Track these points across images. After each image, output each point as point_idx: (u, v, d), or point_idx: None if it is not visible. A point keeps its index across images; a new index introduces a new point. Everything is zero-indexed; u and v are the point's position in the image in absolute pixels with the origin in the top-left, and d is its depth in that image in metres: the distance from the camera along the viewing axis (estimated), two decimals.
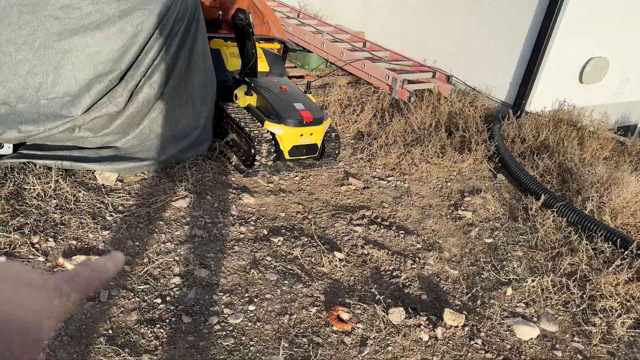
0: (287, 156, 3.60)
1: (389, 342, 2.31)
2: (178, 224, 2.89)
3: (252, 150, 3.47)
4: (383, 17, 6.49)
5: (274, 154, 3.53)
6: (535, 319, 2.62)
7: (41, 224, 2.65)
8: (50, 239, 2.56)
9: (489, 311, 2.62)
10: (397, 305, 2.53)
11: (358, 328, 2.36)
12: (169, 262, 2.58)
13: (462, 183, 3.99)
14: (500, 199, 3.81)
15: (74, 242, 2.59)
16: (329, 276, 2.70)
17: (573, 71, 5.00)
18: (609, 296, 2.75)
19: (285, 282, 2.59)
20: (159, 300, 2.33)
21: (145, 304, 2.30)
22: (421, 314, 2.50)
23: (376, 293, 2.57)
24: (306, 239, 2.95)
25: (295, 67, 6.03)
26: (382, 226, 3.24)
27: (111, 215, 2.84)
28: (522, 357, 2.37)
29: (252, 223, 3.04)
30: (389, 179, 3.88)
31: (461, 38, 5.46)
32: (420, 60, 5.76)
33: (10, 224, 2.58)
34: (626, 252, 3.01)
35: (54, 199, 2.85)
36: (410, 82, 4.98)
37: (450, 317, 2.46)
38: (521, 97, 4.83)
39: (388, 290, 2.67)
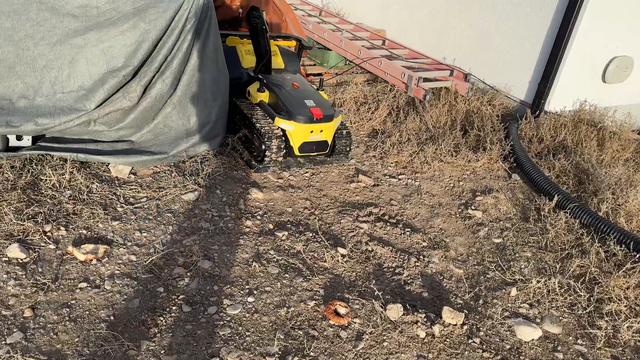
0: (297, 152, 3.64)
1: (384, 337, 2.32)
2: (185, 216, 2.95)
3: (263, 146, 3.52)
4: (403, 15, 6.46)
5: (284, 150, 3.57)
6: (538, 320, 2.58)
7: (54, 213, 2.75)
8: (61, 228, 2.66)
9: (490, 311, 2.60)
10: (396, 301, 2.53)
11: (355, 323, 2.38)
12: (174, 253, 2.65)
13: (475, 182, 3.95)
14: (513, 199, 3.75)
15: (84, 232, 2.69)
16: (330, 271, 2.72)
17: (595, 70, 4.87)
18: (618, 300, 2.69)
19: (286, 275, 2.62)
20: (161, 289, 2.40)
21: (148, 292, 2.37)
22: (420, 311, 2.49)
23: (375, 289, 2.58)
24: (311, 234, 2.98)
25: (314, 64, 6.06)
26: (388, 224, 3.24)
27: (122, 207, 2.93)
28: (521, 357, 2.35)
29: (259, 217, 3.09)
30: (400, 177, 3.87)
31: (481, 36, 5.39)
32: (440, 59, 5.71)
33: (24, 212, 2.69)
34: (639, 256, 2.93)
35: (68, 190, 2.95)
36: (426, 80, 4.94)
37: (449, 315, 2.45)
38: (540, 96, 4.74)
39: (389, 287, 2.68)
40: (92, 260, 2.49)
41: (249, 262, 2.68)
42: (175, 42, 3.18)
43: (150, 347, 2.09)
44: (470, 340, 2.38)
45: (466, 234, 3.29)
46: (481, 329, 2.47)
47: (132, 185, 3.15)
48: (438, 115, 4.69)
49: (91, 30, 3.05)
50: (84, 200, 2.91)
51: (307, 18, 6.51)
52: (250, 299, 2.43)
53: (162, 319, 2.24)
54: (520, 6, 4.91)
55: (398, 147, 4.16)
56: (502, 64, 5.18)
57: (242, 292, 2.47)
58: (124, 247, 2.63)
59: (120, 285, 2.38)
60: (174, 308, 2.30)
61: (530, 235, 3.31)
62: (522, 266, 3.00)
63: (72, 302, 2.25)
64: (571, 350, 2.43)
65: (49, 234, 2.61)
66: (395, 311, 2.43)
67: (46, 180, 2.95)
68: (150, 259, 2.57)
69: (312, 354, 2.18)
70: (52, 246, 2.54)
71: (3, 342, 2.00)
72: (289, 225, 3.06)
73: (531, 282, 2.80)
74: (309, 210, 3.27)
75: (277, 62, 4.22)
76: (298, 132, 3.55)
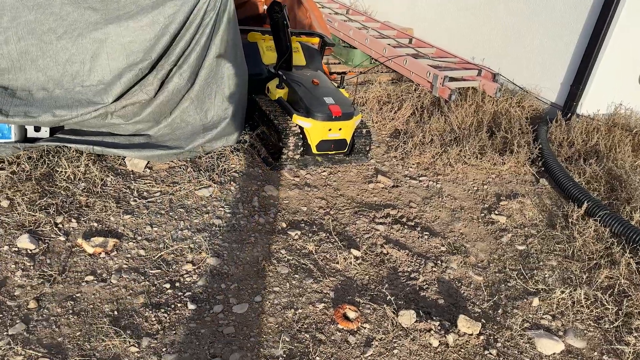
0: (314, 150, 3.56)
1: (395, 345, 2.22)
2: (198, 212, 2.91)
3: (280, 144, 3.45)
4: (432, 13, 6.31)
5: (301, 148, 3.50)
6: (561, 333, 2.43)
7: (67, 205, 2.74)
8: (73, 220, 2.65)
9: (509, 321, 2.47)
10: (410, 307, 2.42)
11: (364, 328, 2.28)
12: (184, 249, 2.61)
13: (500, 186, 3.79)
14: (540, 204, 3.58)
15: (96, 225, 2.67)
16: (342, 273, 2.63)
17: (632, 71, 4.63)
18: None
19: (296, 276, 2.54)
20: (167, 285, 2.35)
21: (154, 288, 2.33)
22: (434, 318, 2.38)
23: (387, 293, 2.48)
24: (324, 235, 2.90)
25: (339, 63, 5.97)
26: (406, 226, 3.13)
27: (135, 201, 2.91)
28: None
29: (272, 215, 3.02)
30: (420, 178, 3.75)
31: (511, 34, 5.20)
32: (468, 58, 5.55)
33: (37, 203, 2.69)
34: None
35: (83, 182, 2.95)
36: (452, 79, 4.80)
37: (465, 324, 2.32)
38: (572, 98, 4.54)
39: (403, 292, 2.57)
40: (100, 253, 2.47)
41: (258, 260, 2.62)
42: (193, 35, 3.15)
43: (152, 344, 2.04)
44: (486, 352, 2.25)
45: (488, 240, 3.15)
46: (499, 339, 2.34)
47: (146, 180, 3.12)
48: (464, 116, 4.54)
49: (111, 23, 3.04)
50: (98, 193, 2.89)
51: (334, 16, 6.43)
52: (258, 299, 2.36)
53: (166, 315, 2.19)
54: (554, 3, 4.71)
55: (420, 148, 4.04)
56: (533, 63, 4.99)
57: (249, 291, 2.40)
58: (134, 241, 2.60)
59: (127, 280, 2.35)
60: (179, 305, 2.25)
61: (556, 243, 3.14)
62: (546, 275, 2.84)
63: (77, 295, 2.22)
64: None
65: (60, 225, 2.60)
66: (407, 317, 2.33)
67: (61, 172, 2.95)
68: (159, 254, 2.53)
69: (317, 358, 2.10)
70: (62, 238, 2.53)
71: (5, 333, 1.98)
72: (303, 225, 2.98)
73: (555, 292, 2.65)
74: (324, 209, 3.18)
75: (299, 58, 4.16)
76: (316, 130, 3.47)
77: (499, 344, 2.31)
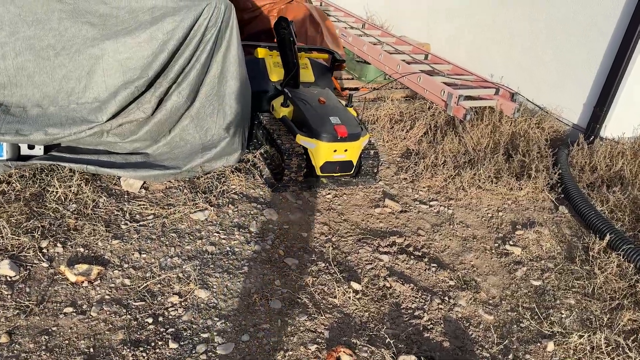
0: (319, 172, 3.40)
1: None
2: (191, 237, 2.76)
3: (282, 165, 3.30)
4: (449, 30, 6.13)
5: (305, 170, 3.34)
6: None
7: (54, 228, 2.63)
8: (59, 245, 2.53)
9: None
10: (411, 351, 2.23)
11: None
12: (171, 279, 2.46)
13: (516, 213, 3.57)
14: (559, 235, 3.35)
15: (82, 250, 2.54)
16: (339, 309, 2.44)
17: None
18: None
19: (289, 312, 2.37)
20: (150, 320, 2.20)
21: (135, 322, 2.18)
22: None
23: (386, 335, 2.28)
24: (323, 265, 2.72)
25: (352, 78, 5.82)
26: (412, 256, 2.94)
27: (125, 224, 2.77)
28: None
29: (269, 242, 2.86)
30: (431, 203, 3.55)
31: (530, 53, 4.98)
32: (486, 76, 5.33)
33: (23, 225, 2.57)
34: None
35: (74, 203, 2.83)
36: (468, 98, 4.59)
37: None
38: (595, 120, 4.29)
39: (404, 333, 2.37)
40: (83, 282, 2.33)
41: (250, 293, 2.45)
42: (193, 52, 3.03)
43: None
44: None
45: (501, 274, 2.93)
46: None
47: (141, 201, 2.99)
48: (479, 136, 4.33)
49: (108, 39, 2.94)
50: (88, 215, 2.77)
51: (349, 30, 6.29)
52: (245, 338, 2.19)
53: (144, 355, 2.03)
54: (576, 20, 4.49)
55: (432, 170, 3.84)
56: (554, 83, 4.76)
57: (237, 328, 2.24)
58: (120, 269, 2.46)
59: (108, 313, 2.20)
60: (159, 343, 2.10)
61: (575, 279, 2.91)
62: (563, 316, 2.61)
63: (53, 328, 2.09)
64: None
65: (44, 250, 2.48)
66: None
67: (52, 192, 2.84)
68: (145, 284, 2.39)
69: None
70: (45, 264, 2.40)
71: None
72: (301, 253, 2.81)
73: (572, 336, 2.42)
74: (326, 236, 3.01)
75: (307, 75, 4.01)
76: (320, 151, 3.30)
77: None
